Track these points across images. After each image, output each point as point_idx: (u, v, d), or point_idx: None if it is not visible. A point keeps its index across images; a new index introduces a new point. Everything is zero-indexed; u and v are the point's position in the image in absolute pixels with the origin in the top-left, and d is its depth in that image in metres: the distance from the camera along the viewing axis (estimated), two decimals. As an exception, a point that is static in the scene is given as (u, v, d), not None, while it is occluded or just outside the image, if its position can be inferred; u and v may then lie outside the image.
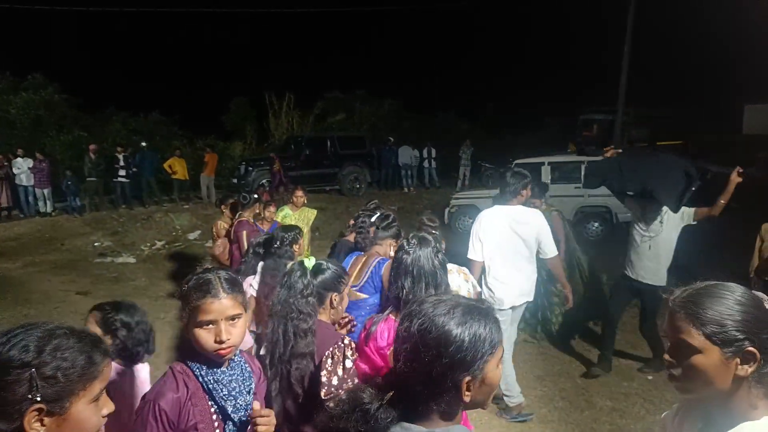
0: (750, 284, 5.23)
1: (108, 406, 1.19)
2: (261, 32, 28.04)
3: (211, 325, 1.52)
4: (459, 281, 3.40)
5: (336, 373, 1.96)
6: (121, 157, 13.28)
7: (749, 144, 13.58)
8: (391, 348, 1.67)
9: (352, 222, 4.16)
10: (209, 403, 1.56)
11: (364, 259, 3.54)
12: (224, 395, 1.56)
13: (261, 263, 3.70)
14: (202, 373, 1.55)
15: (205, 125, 19.71)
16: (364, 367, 2.19)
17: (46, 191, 12.86)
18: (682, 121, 16.38)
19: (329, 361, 1.97)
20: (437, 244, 2.37)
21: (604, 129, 15.89)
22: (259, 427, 1.49)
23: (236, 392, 1.59)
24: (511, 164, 11.28)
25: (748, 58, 15.59)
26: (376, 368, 2.19)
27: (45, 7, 15.41)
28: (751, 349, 1.13)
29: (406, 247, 2.30)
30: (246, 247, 4.64)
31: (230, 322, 1.55)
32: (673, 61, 20.29)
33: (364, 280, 3.43)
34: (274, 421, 1.54)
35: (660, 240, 4.38)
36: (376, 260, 3.44)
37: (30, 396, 1.03)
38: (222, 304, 1.53)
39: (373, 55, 27.11)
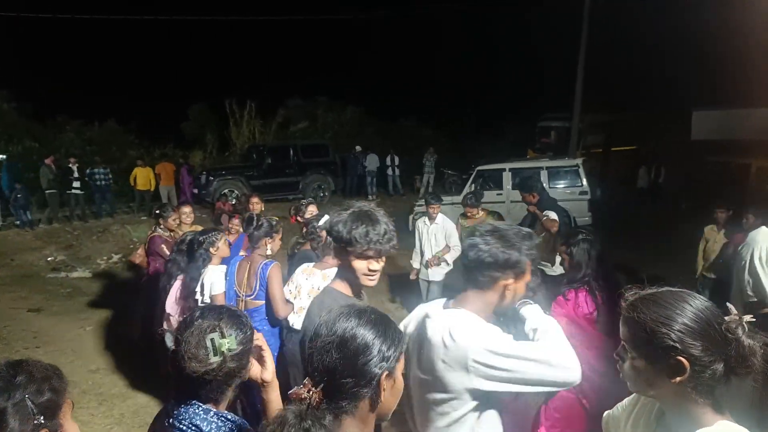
0: (697, 285, 5.47)
1: None
2: (221, 39, 27.62)
3: None
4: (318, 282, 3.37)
5: None
6: (74, 168, 12.86)
7: (696, 149, 14.21)
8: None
9: (304, 230, 4.16)
10: None
11: (248, 264, 3.53)
12: None
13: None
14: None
15: (163, 134, 19.25)
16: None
17: (-7, 204, 12.32)
18: (637, 127, 16.98)
19: None
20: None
21: (562, 136, 16.32)
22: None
23: None
24: (473, 171, 11.47)
25: (699, 64, 16.28)
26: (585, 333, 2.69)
27: (-9, 12, 14.76)
28: (679, 359, 1.11)
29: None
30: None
31: None
32: (628, 68, 20.95)
33: (257, 287, 3.43)
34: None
35: None
36: (261, 265, 3.45)
37: None
38: None
39: (334, 61, 27.11)
